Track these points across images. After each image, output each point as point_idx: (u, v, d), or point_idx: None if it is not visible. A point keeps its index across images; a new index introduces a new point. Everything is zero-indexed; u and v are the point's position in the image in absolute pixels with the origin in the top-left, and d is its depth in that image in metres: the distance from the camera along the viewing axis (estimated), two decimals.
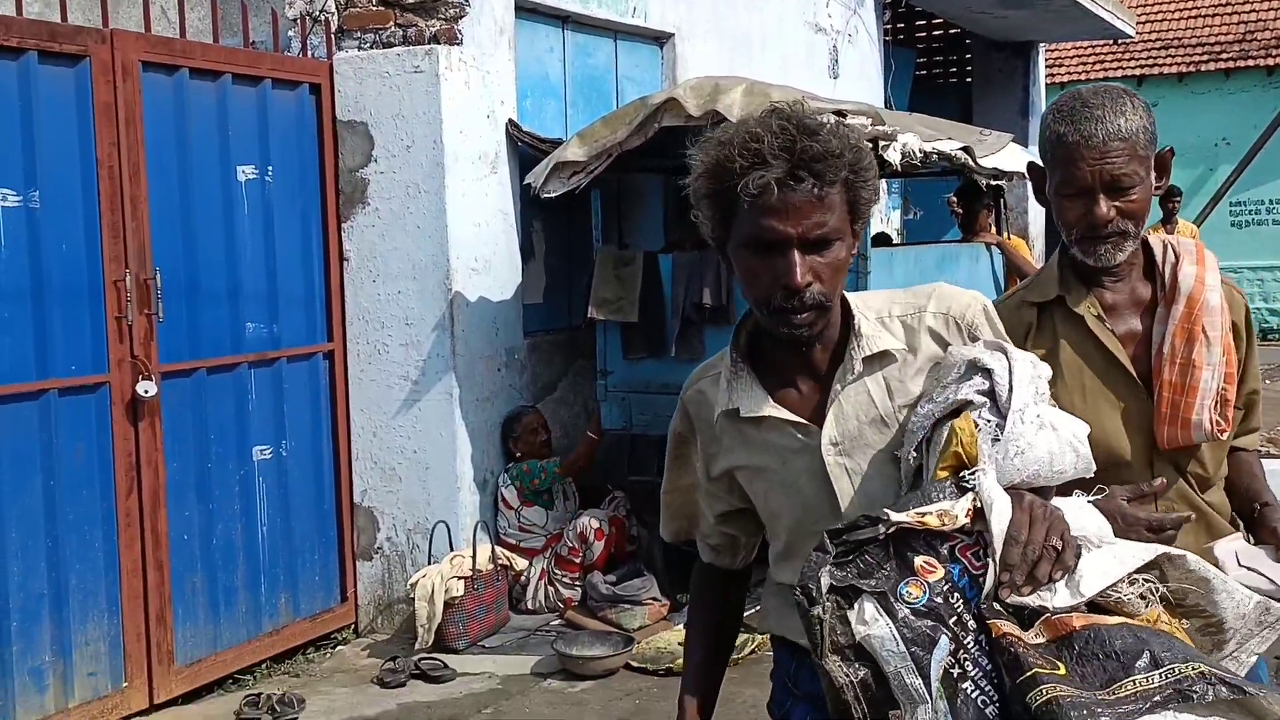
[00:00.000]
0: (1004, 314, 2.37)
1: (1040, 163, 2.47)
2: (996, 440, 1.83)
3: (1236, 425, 2.52)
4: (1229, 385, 2.42)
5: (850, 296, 2.06)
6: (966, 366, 1.94)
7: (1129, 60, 19.21)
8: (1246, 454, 2.61)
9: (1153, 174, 2.39)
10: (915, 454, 1.91)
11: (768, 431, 2.06)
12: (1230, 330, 2.45)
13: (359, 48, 6.03)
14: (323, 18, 6.03)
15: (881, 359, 2.03)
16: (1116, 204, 2.34)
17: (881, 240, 5.85)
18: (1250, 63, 18.52)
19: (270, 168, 5.60)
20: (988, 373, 1.91)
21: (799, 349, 2.03)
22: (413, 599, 5.68)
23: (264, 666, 5.58)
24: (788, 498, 2.07)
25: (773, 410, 2.05)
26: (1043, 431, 1.85)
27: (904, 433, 1.99)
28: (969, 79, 14.02)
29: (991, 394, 1.89)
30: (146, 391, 4.95)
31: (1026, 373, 1.91)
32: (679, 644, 5.48)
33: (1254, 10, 19.26)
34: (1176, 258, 2.45)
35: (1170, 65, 19.01)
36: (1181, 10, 19.83)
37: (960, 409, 1.88)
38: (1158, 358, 2.41)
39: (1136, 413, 2.43)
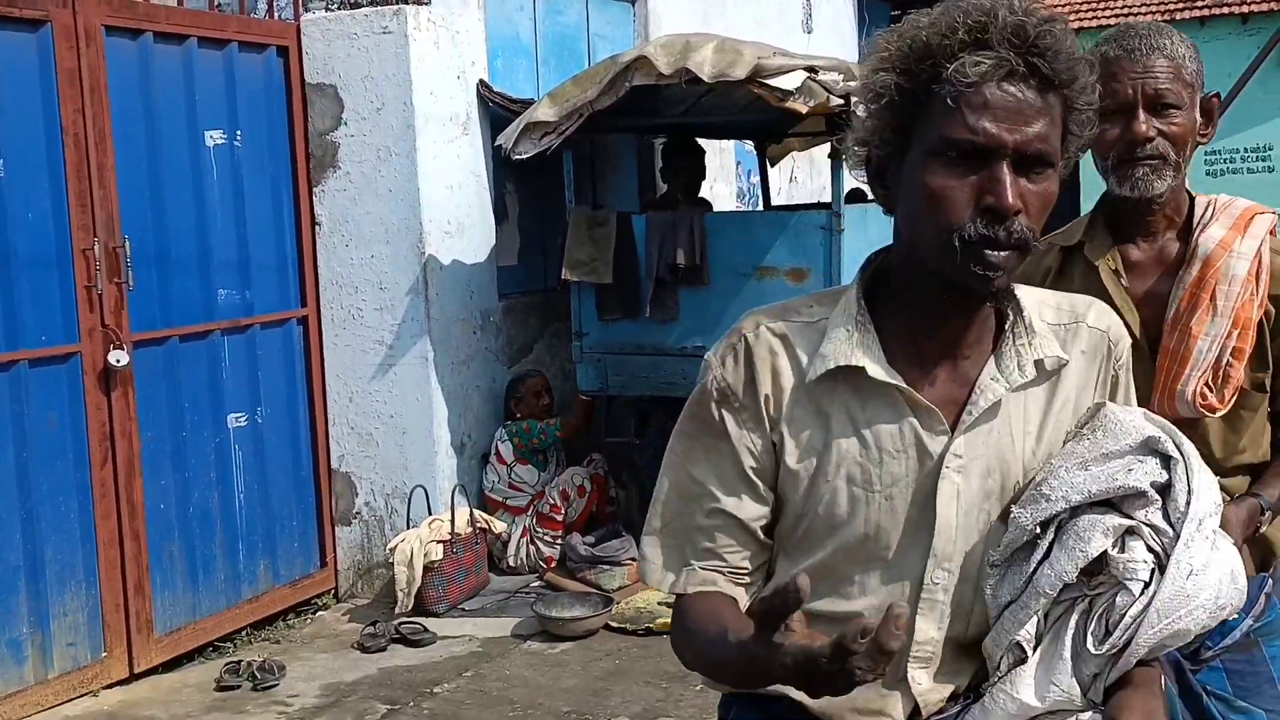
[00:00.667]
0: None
1: None
2: (1155, 552, 1.55)
3: None
4: (1236, 361, 2.25)
5: None
6: (1141, 444, 1.59)
7: (1104, 9, 19.16)
8: None
9: (1198, 112, 2.26)
10: (1036, 527, 1.57)
11: (876, 411, 1.61)
12: (1265, 303, 2.27)
13: (326, 9, 5.97)
14: None
15: (1043, 369, 1.65)
16: (1158, 124, 2.19)
17: (856, 196, 5.83)
18: (1225, 10, 18.49)
19: (239, 132, 5.54)
20: (1167, 461, 1.59)
21: (950, 315, 1.61)
22: (392, 564, 5.68)
23: (244, 633, 5.58)
24: (867, 505, 1.61)
25: (902, 384, 1.60)
26: (1216, 553, 1.56)
27: (1029, 482, 1.63)
28: None
29: (1165, 491, 1.58)
30: (118, 361, 4.91)
31: (1208, 477, 1.60)
32: (658, 603, 5.51)
33: None
34: (1211, 218, 2.30)
35: (1145, 13, 18.96)
36: None
37: (1124, 498, 1.57)
38: (1164, 322, 2.27)
39: (1139, 379, 2.18)
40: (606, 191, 6.97)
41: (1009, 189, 1.49)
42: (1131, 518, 1.56)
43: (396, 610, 5.65)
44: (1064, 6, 19.34)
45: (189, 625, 5.33)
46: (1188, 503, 1.55)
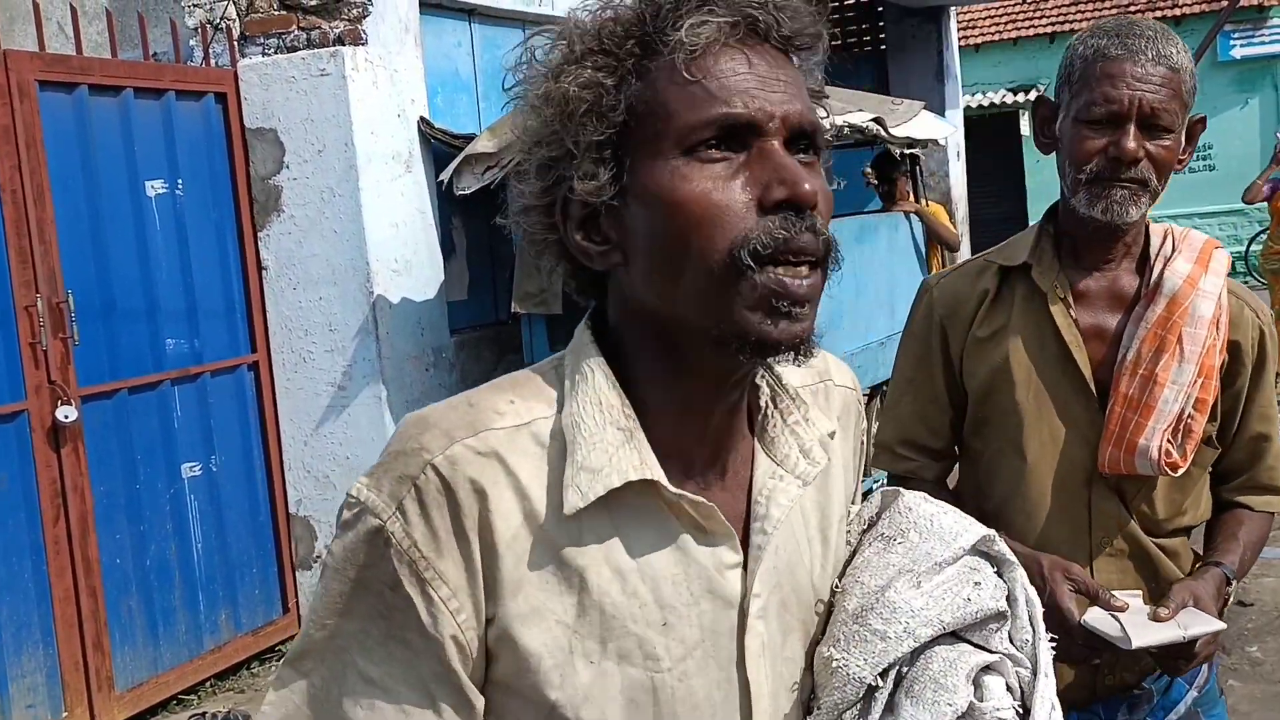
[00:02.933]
0: (961, 277, 2.15)
1: (1051, 97, 2.10)
2: (1011, 689, 1.20)
3: (1239, 475, 2.17)
4: (1198, 414, 2.02)
5: None
6: (972, 546, 1.24)
7: (1040, 19, 19.43)
8: (1251, 513, 2.18)
9: (1184, 134, 2.00)
10: (876, 677, 1.16)
11: (648, 551, 1.13)
12: (1224, 350, 2.05)
13: (263, 53, 5.96)
14: (224, 25, 5.95)
15: (825, 451, 1.24)
16: (1147, 145, 1.93)
17: None
18: (1159, 13, 18.77)
19: (180, 180, 5.53)
20: (999, 566, 1.25)
21: (722, 394, 1.16)
22: None
23: (208, 685, 5.53)
24: (655, 695, 1.13)
25: (703, 501, 1.14)
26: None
27: (831, 608, 1.24)
28: (883, 46, 14.10)
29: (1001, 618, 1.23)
30: (66, 417, 4.87)
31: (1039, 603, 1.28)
32: None
33: None
34: (1174, 250, 2.05)
35: (1081, 20, 19.23)
36: None
37: (974, 626, 1.21)
38: (1120, 365, 2.02)
39: (1084, 425, 2.05)
40: None
41: (801, 171, 1.08)
42: (988, 648, 1.20)
43: None
44: (1003, 18, 19.61)
45: (151, 680, 5.28)
46: (1034, 643, 1.23)
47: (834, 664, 1.18)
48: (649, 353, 1.15)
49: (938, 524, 1.24)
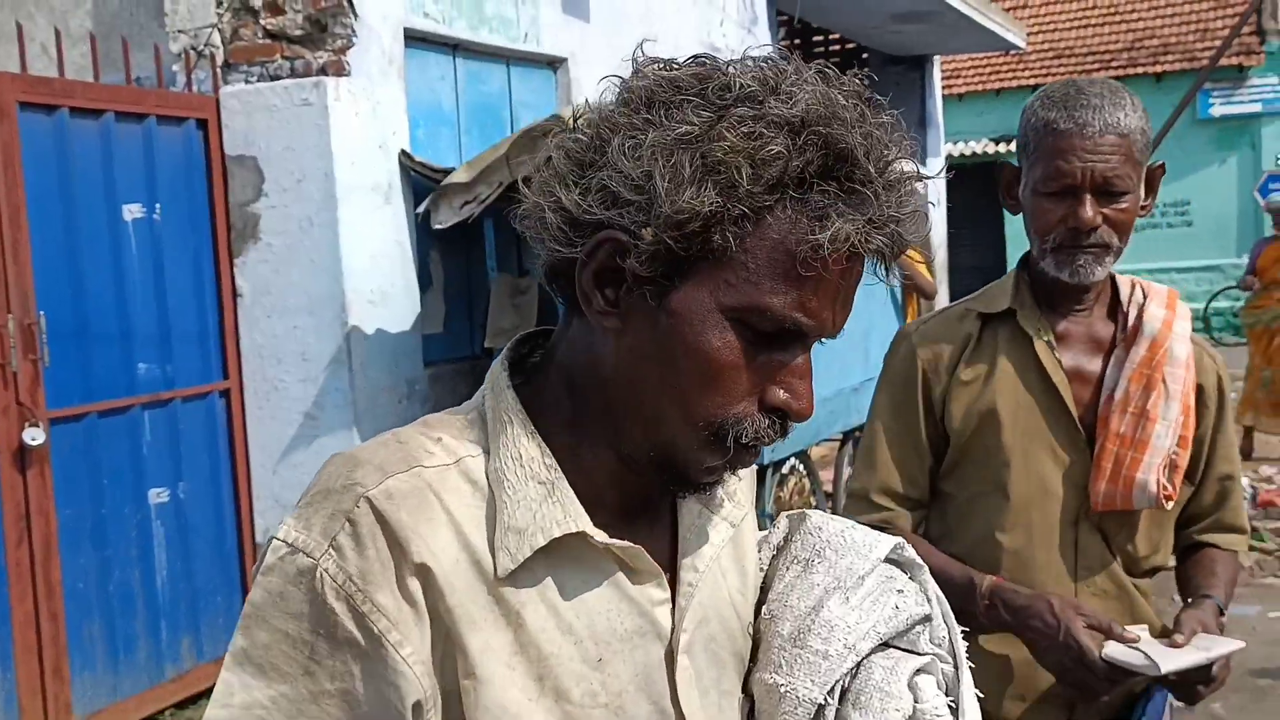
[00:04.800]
0: (942, 323, 2.20)
1: (1014, 162, 2.16)
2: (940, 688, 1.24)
3: (1207, 517, 2.26)
4: (1182, 450, 2.12)
5: None
6: (885, 556, 1.28)
7: (1023, 70, 19.62)
8: (1221, 551, 2.27)
9: (1142, 187, 2.09)
10: (825, 696, 1.17)
11: (581, 590, 1.13)
12: (1194, 392, 2.16)
13: (246, 81, 5.97)
14: (208, 52, 5.96)
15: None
16: (1104, 210, 2.02)
17: None
18: (1140, 70, 19.00)
19: (158, 205, 5.52)
20: (910, 571, 1.29)
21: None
22: None
23: (167, 713, 5.47)
24: None
25: (628, 545, 1.14)
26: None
27: (759, 635, 1.26)
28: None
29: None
30: (34, 439, 4.84)
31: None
32: None
33: (1141, 19, 19.79)
34: (1145, 296, 2.16)
35: (1063, 74, 19.43)
36: (1072, 20, 20.32)
37: (903, 632, 1.25)
38: (1107, 404, 2.10)
39: (1071, 465, 2.12)
40: (531, 259, 7.00)
41: (809, 389, 1.11)
42: (916, 650, 1.24)
43: None
44: (986, 69, 19.79)
45: (110, 707, 5.22)
46: (945, 615, 1.28)
47: (781, 689, 1.18)
48: (589, 411, 1.14)
49: (850, 539, 1.26)
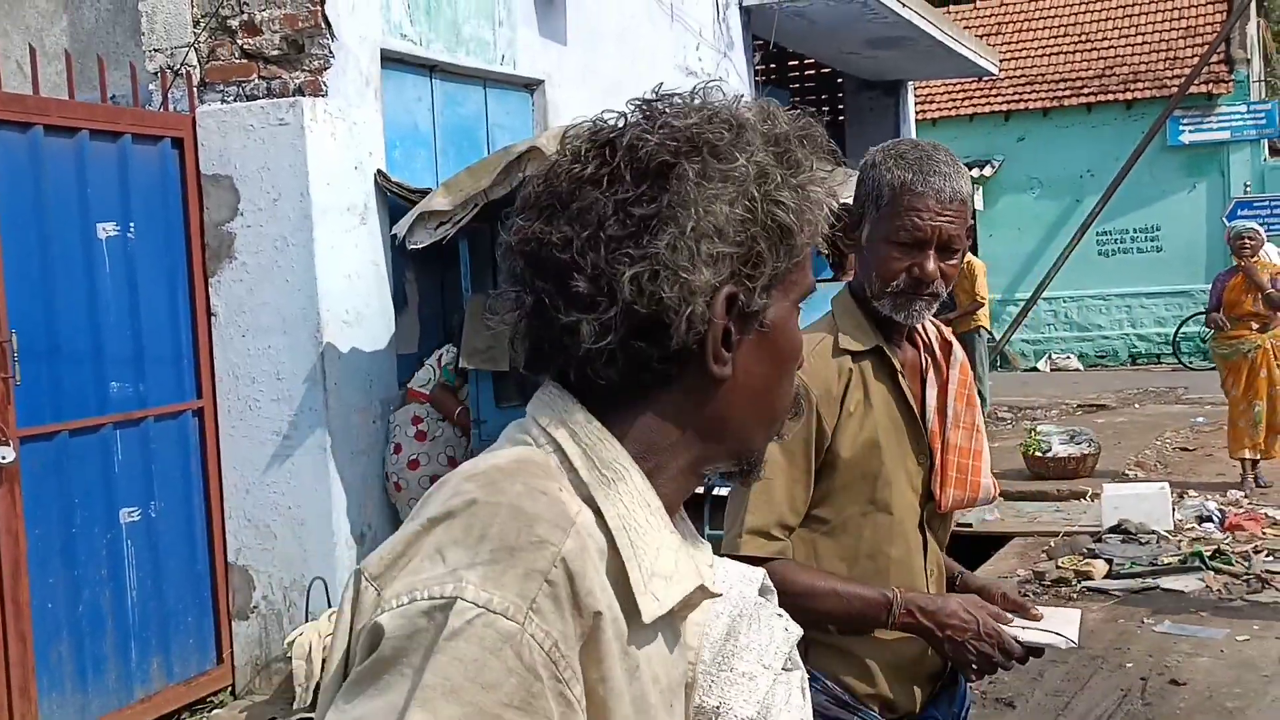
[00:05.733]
0: (821, 361, 2.33)
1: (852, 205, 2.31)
2: None
3: None
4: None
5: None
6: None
7: (996, 96, 19.79)
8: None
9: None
10: (759, 713, 1.29)
11: (655, 645, 1.14)
12: None
13: (222, 101, 5.97)
14: (184, 71, 5.96)
15: None
16: (942, 264, 2.27)
17: None
18: (1110, 97, 19.19)
19: (132, 224, 5.51)
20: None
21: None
22: (290, 658, 5.58)
23: None
24: None
25: (715, 593, 1.23)
26: None
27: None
28: (842, 118, 14.31)
29: None
30: (3, 458, 4.82)
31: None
32: None
33: (1112, 46, 19.99)
34: (935, 326, 2.46)
35: (1035, 100, 19.62)
36: (1044, 47, 20.51)
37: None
38: (939, 420, 2.40)
39: (919, 478, 2.42)
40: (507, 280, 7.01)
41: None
42: (792, 666, 1.36)
43: (295, 706, 5.54)
44: (959, 95, 19.93)
45: None
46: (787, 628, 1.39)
47: (721, 710, 1.26)
48: (678, 459, 1.16)
49: (739, 570, 1.36)
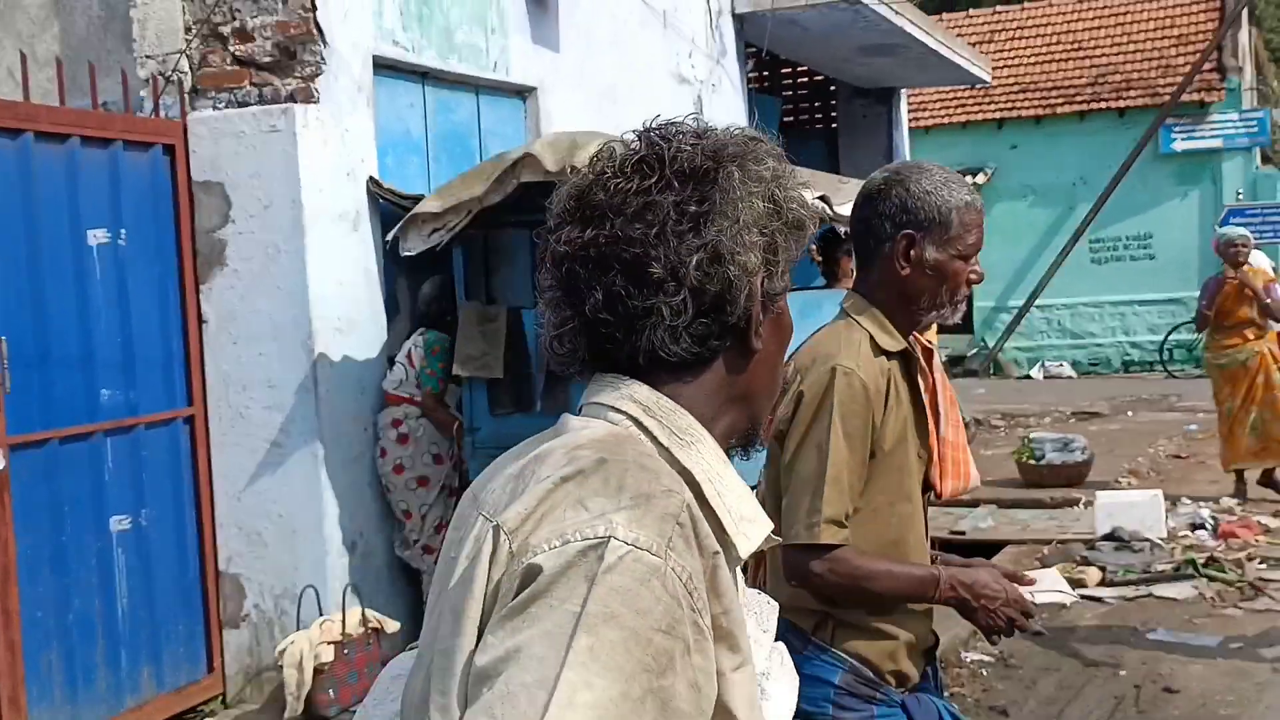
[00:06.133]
0: (868, 361, 2.50)
1: (905, 229, 2.49)
2: None
3: None
4: None
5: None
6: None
7: (989, 104, 19.82)
8: None
9: None
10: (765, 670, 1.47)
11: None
12: None
13: (214, 107, 5.96)
14: (176, 77, 5.94)
15: None
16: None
17: None
18: (1103, 105, 19.23)
19: (123, 231, 5.49)
20: None
21: None
22: (281, 666, 5.55)
23: None
24: None
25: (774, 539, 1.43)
26: None
27: None
28: (834, 125, 14.32)
29: None
30: None
31: None
32: None
33: (1104, 55, 20.03)
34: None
35: (1028, 108, 19.65)
36: (1037, 55, 20.55)
37: None
38: (934, 417, 2.63)
39: (922, 468, 2.64)
40: (500, 286, 6.99)
41: None
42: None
43: (286, 715, 5.51)
44: (952, 103, 19.96)
45: None
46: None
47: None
48: (717, 428, 1.36)
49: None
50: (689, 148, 1.32)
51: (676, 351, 1.31)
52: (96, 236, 5.37)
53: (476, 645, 1.15)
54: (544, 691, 1.08)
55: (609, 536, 1.13)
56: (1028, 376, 18.71)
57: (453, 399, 6.25)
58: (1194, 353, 18.08)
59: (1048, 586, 2.62)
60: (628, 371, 1.33)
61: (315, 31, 5.85)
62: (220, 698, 5.92)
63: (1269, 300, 8.97)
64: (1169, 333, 18.32)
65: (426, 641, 1.25)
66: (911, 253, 2.48)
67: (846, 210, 6.55)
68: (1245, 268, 9.14)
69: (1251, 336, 9.13)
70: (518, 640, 1.11)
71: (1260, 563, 7.46)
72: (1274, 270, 9.79)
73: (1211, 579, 7.12)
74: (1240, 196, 18.64)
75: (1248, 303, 9.05)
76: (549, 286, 1.35)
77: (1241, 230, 9.84)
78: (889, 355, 2.53)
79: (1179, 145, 18.61)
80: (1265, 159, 20.22)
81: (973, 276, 2.53)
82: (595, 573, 1.11)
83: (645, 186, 1.29)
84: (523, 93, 7.63)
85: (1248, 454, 9.12)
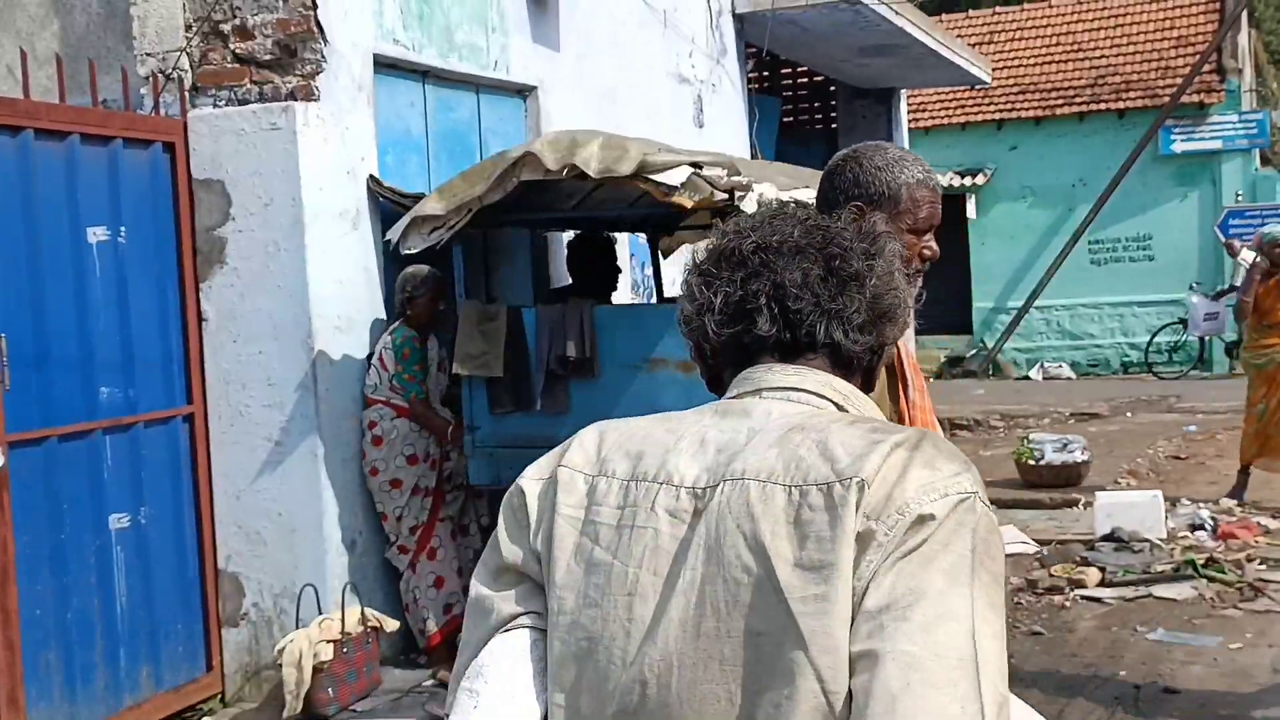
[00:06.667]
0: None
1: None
2: None
3: None
4: None
5: None
6: None
7: (989, 105, 19.81)
8: None
9: None
10: None
11: None
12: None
13: (214, 105, 5.95)
14: (176, 75, 5.94)
15: None
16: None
17: None
18: (1102, 106, 19.22)
19: (123, 228, 5.48)
20: None
21: None
22: (280, 665, 5.55)
23: None
24: None
25: None
26: None
27: None
28: (834, 125, 14.32)
29: None
30: None
31: None
32: None
33: (1104, 56, 20.03)
34: None
35: (1028, 109, 19.64)
36: (1036, 56, 20.54)
37: None
38: (903, 385, 2.71)
39: None
40: (500, 285, 6.99)
41: None
42: None
43: (285, 714, 5.51)
44: (951, 103, 19.94)
45: None
46: None
47: None
48: None
49: None
50: (850, 227, 1.58)
51: (859, 346, 1.52)
52: (96, 234, 5.36)
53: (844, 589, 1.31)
54: (956, 624, 1.27)
55: (974, 492, 1.35)
56: (1026, 377, 18.70)
57: (437, 395, 6.20)
58: (1174, 355, 18.09)
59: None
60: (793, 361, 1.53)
61: (316, 29, 5.85)
62: (219, 696, 5.91)
63: None
64: (1154, 334, 18.33)
65: (700, 615, 1.35)
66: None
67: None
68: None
69: None
70: (920, 581, 1.28)
71: (1260, 563, 7.45)
72: None
73: (1211, 580, 7.11)
74: (1240, 198, 18.64)
75: None
76: (727, 275, 1.53)
77: None
78: None
79: (1178, 147, 18.60)
80: (1264, 160, 20.20)
81: (925, 252, 2.59)
82: (973, 523, 1.33)
83: (843, 230, 1.57)
84: (523, 92, 7.63)
85: (1276, 454, 8.90)
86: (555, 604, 1.45)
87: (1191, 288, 17.95)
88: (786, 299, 1.49)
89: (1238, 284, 16.88)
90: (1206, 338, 17.80)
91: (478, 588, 1.54)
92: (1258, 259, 9.11)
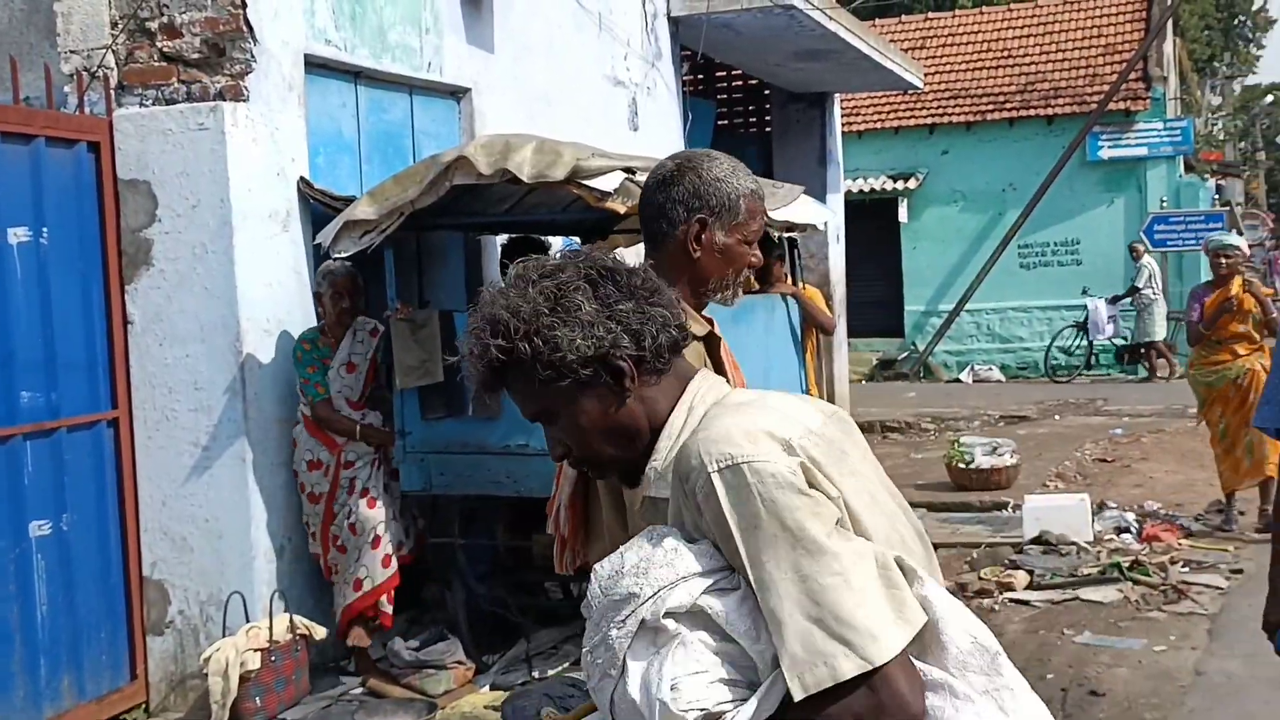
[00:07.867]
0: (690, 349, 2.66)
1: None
2: None
3: None
4: None
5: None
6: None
7: (921, 109, 20.00)
8: None
9: None
10: None
11: None
12: None
13: (141, 104, 5.85)
14: (101, 73, 5.83)
15: None
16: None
17: None
18: (1032, 112, 19.49)
19: (45, 229, 5.37)
20: None
21: None
22: (206, 674, 5.46)
23: None
24: None
25: None
26: None
27: None
28: (769, 129, 14.37)
29: None
30: None
31: None
32: (485, 706, 5.40)
33: (1034, 63, 20.31)
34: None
35: (959, 114, 19.86)
36: (968, 62, 20.78)
37: None
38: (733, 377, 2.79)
39: None
40: (433, 288, 6.94)
41: None
42: None
43: None
44: (885, 108, 20.11)
45: None
46: None
47: None
48: None
49: None
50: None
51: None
52: (17, 235, 5.25)
53: None
54: None
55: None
56: (957, 380, 18.89)
57: (355, 396, 6.01)
58: (1071, 360, 18.38)
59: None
60: None
61: (245, 28, 5.76)
62: (144, 706, 5.81)
63: (1275, 315, 8.33)
64: (1051, 340, 18.65)
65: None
66: (703, 236, 2.61)
67: (780, 215, 6.59)
68: (1242, 278, 8.45)
69: (1243, 352, 8.40)
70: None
71: (1183, 566, 7.57)
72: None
73: (1136, 582, 7.22)
74: (1164, 204, 18.98)
75: (1242, 316, 8.34)
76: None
77: (1232, 239, 8.97)
78: (696, 338, 2.58)
79: (1105, 153, 18.89)
80: (1188, 167, 20.59)
81: (752, 260, 2.67)
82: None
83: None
84: (456, 94, 7.57)
85: (1245, 475, 8.43)
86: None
87: (1084, 291, 18.34)
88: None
89: (1139, 285, 17.35)
90: (1095, 341, 18.20)
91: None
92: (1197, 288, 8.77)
